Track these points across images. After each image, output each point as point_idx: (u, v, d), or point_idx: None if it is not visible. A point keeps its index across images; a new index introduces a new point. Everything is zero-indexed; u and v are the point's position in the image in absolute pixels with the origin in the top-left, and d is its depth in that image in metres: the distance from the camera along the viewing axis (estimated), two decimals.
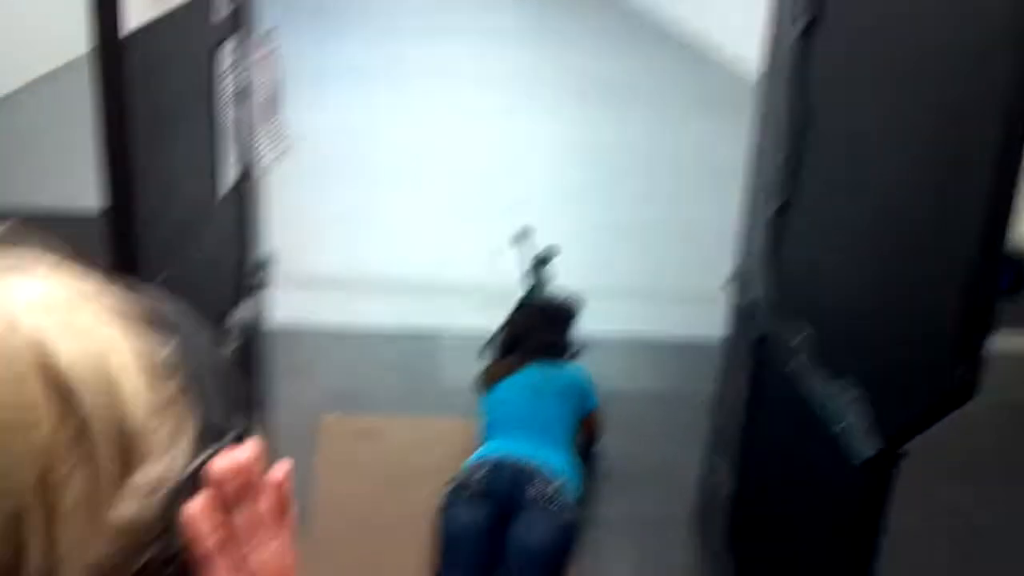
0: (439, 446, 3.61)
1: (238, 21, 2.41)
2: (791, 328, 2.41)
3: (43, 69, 8.01)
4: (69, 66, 7.98)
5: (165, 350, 0.51)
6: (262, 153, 2.68)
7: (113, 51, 1.49)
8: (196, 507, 0.49)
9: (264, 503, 0.53)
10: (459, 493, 2.94)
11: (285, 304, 4.06)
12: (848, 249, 2.17)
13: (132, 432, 0.47)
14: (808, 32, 2.36)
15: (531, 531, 2.82)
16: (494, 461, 2.98)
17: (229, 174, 2.43)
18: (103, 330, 0.48)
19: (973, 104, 1.63)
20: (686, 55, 11.67)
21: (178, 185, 2.02)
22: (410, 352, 4.31)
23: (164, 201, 1.90)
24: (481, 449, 3.13)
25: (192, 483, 0.50)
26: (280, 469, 0.54)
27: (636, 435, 3.77)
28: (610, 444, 3.63)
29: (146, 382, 0.49)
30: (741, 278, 2.82)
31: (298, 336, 4.27)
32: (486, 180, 6.67)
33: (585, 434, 3.54)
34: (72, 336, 0.46)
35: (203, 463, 0.51)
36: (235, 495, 0.51)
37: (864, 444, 1.98)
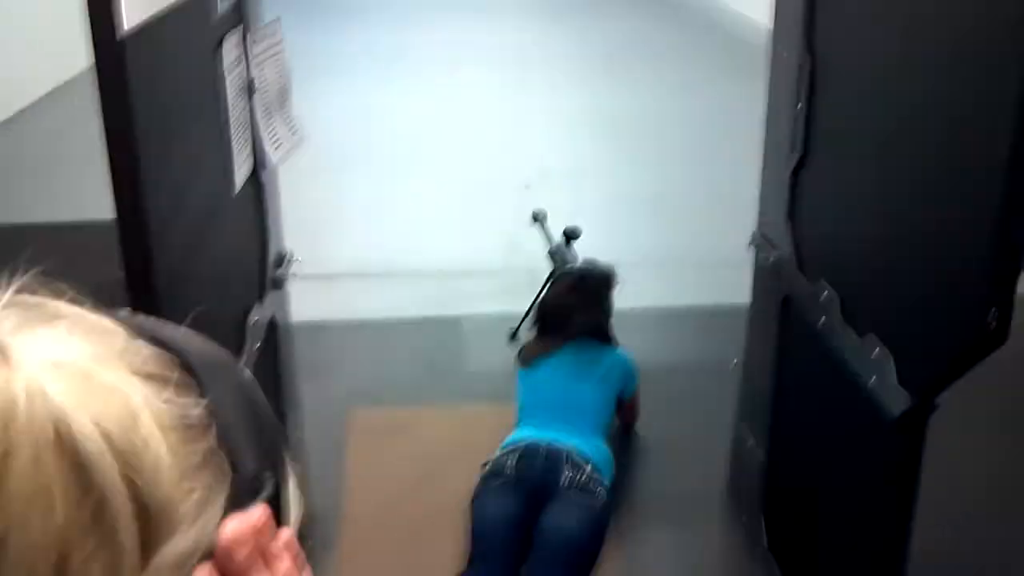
0: (469, 433, 3.61)
1: (241, 13, 2.40)
2: (816, 287, 2.38)
3: (51, 85, 8.04)
4: (76, 80, 8.02)
5: (195, 406, 0.48)
6: (275, 147, 2.67)
7: (112, 52, 1.48)
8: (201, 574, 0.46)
9: (284, 564, 0.50)
10: (491, 481, 2.94)
11: (305, 299, 4.06)
12: (868, 201, 2.14)
13: (158, 506, 0.44)
14: None
15: (563, 518, 2.81)
16: (526, 446, 2.97)
17: (243, 170, 2.42)
18: (128, 391, 0.45)
19: (994, 40, 1.60)
20: (696, 17, 11.60)
21: (191, 184, 2.01)
22: (434, 339, 4.31)
23: (177, 202, 1.90)
24: (514, 433, 3.11)
25: None
26: (286, 531, 0.51)
27: (668, 409, 3.74)
28: (642, 420, 3.62)
29: (174, 445, 0.46)
30: (763, 239, 2.80)
31: (321, 330, 4.27)
32: (500, 160, 6.65)
33: (624, 417, 3.51)
34: (94, 401, 0.43)
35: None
36: (247, 562, 0.48)
37: (896, 399, 1.96)
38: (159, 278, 1.70)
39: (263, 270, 2.72)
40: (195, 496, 0.46)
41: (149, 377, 0.47)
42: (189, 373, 0.50)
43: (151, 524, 0.44)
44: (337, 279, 4.84)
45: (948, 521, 3.04)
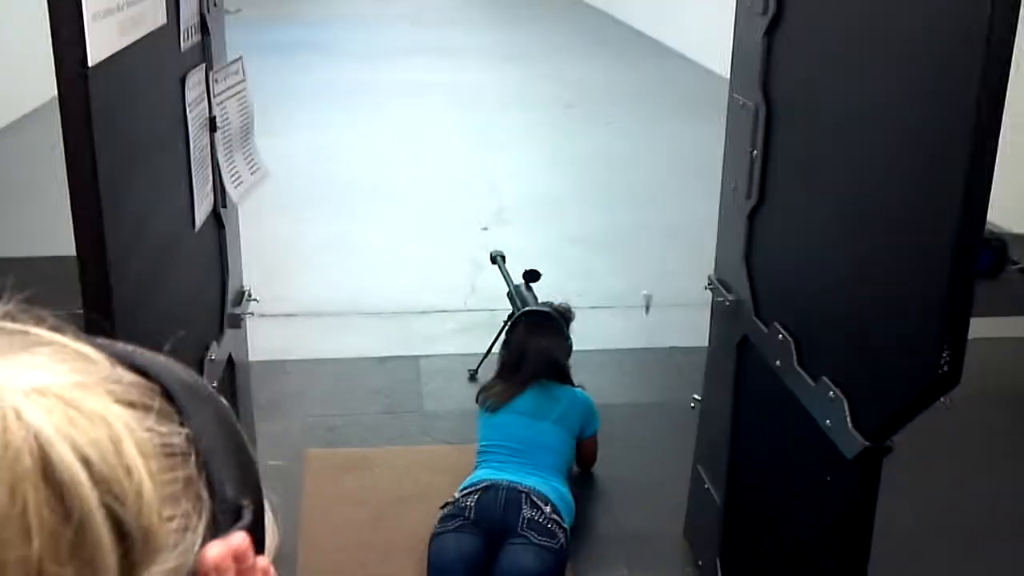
0: (427, 474, 3.59)
1: (204, 51, 2.41)
2: (771, 330, 2.41)
3: (15, 114, 8.00)
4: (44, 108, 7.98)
5: (176, 434, 0.48)
6: (236, 184, 2.67)
7: (77, 83, 1.49)
8: None
9: None
10: (450, 521, 2.93)
11: (263, 337, 4.04)
12: (822, 246, 2.18)
13: (139, 532, 0.44)
14: (772, 29, 2.38)
15: (522, 558, 2.81)
16: (485, 487, 2.97)
17: (204, 206, 2.42)
18: (111, 419, 0.45)
19: (946, 89, 1.64)
20: (653, 64, 11.77)
21: (152, 218, 2.00)
22: (393, 379, 4.29)
23: (138, 234, 1.89)
24: (473, 474, 3.12)
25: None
26: (263, 559, 0.52)
27: (627, 449, 3.76)
28: (601, 460, 3.62)
29: (156, 472, 0.46)
30: (721, 280, 2.83)
31: (279, 369, 4.25)
32: (459, 200, 6.68)
33: (583, 458, 3.52)
34: (76, 428, 0.43)
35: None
36: None
37: (850, 441, 1.98)
38: (117, 311, 1.69)
39: (222, 307, 2.71)
40: (176, 523, 0.46)
41: (131, 405, 0.47)
42: (169, 401, 0.50)
43: (132, 551, 0.43)
44: (295, 318, 4.82)
45: (905, 561, 3.07)
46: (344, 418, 3.98)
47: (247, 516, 0.51)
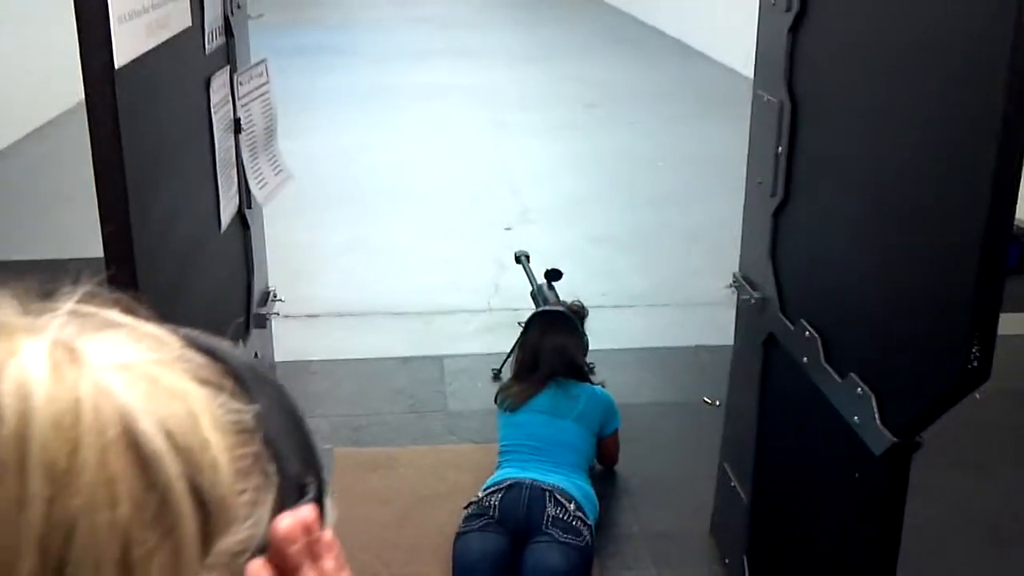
0: (451, 473, 3.60)
1: (229, 53, 2.42)
2: (797, 327, 2.40)
3: (41, 119, 8.07)
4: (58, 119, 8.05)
5: (245, 411, 0.50)
6: (261, 186, 2.68)
7: (105, 85, 1.50)
8: (256, 566, 0.48)
9: (328, 563, 0.53)
10: (474, 520, 2.93)
11: (288, 338, 4.06)
12: (848, 242, 2.17)
13: (216, 500, 0.46)
14: (796, 25, 2.37)
15: (547, 556, 2.80)
16: (508, 485, 2.97)
17: (229, 208, 2.43)
18: (189, 395, 0.47)
19: (973, 83, 1.63)
20: (681, 57, 11.74)
21: (179, 219, 2.02)
22: (417, 379, 4.30)
23: (165, 236, 1.90)
24: (496, 474, 3.12)
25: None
26: (329, 532, 0.55)
27: (652, 448, 3.75)
28: (625, 459, 3.62)
29: (229, 447, 0.48)
30: (745, 280, 2.82)
31: (303, 369, 4.26)
32: (482, 200, 6.69)
33: (603, 456, 3.52)
34: (158, 402, 0.45)
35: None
36: (299, 556, 0.51)
37: (879, 438, 1.97)
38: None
39: (248, 308, 2.72)
40: (246, 496, 0.49)
41: (204, 383, 0.49)
42: (235, 381, 0.52)
43: (209, 520, 0.46)
44: (320, 318, 4.84)
45: (934, 559, 3.05)
46: (369, 418, 3.99)
47: (311, 492, 0.54)
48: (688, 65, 11.60)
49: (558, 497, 2.93)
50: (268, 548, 0.49)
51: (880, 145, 1.99)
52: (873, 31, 2.01)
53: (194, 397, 0.47)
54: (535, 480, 2.98)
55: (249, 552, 0.48)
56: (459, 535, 2.94)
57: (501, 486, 2.99)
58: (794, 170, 2.46)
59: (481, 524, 2.91)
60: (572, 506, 2.93)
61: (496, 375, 4.21)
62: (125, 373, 0.45)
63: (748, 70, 2.77)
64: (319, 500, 0.55)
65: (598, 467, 3.52)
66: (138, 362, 0.46)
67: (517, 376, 3.44)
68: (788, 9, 2.39)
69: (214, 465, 0.46)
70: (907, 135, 1.88)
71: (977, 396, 1.73)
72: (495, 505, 2.93)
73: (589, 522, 2.96)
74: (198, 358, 0.51)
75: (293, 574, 0.50)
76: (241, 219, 2.63)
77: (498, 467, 3.19)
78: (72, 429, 0.42)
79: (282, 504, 0.51)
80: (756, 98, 2.68)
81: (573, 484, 3.03)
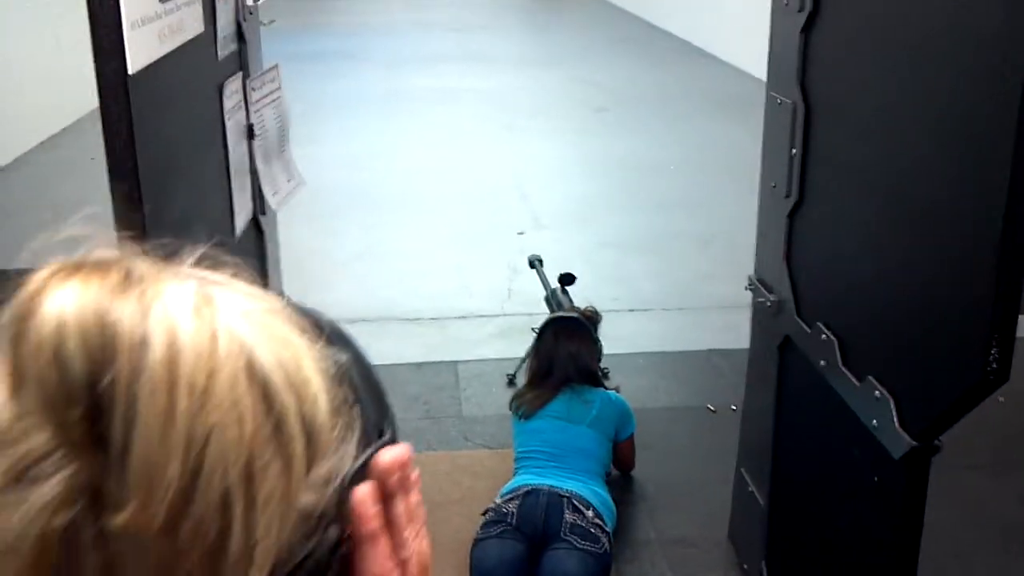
0: (467, 479, 3.59)
1: (241, 59, 2.42)
2: (814, 330, 2.39)
3: (54, 127, 8.10)
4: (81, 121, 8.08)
5: (334, 360, 0.58)
6: (274, 192, 2.68)
7: (118, 90, 1.49)
8: (365, 491, 0.58)
9: (414, 497, 0.62)
10: (492, 527, 2.92)
11: None
12: (865, 244, 2.15)
13: (316, 431, 0.54)
14: (809, 25, 2.36)
15: (566, 563, 2.79)
16: (526, 492, 2.96)
17: (243, 214, 2.43)
18: (293, 340, 0.55)
19: (990, 83, 1.62)
20: (691, 60, 11.73)
21: (193, 225, 2.01)
22: (431, 385, 4.30)
23: (180, 242, 1.90)
24: (513, 481, 3.11)
25: (358, 478, 0.58)
26: (415, 472, 0.63)
27: (668, 454, 3.73)
28: (641, 464, 3.60)
29: (325, 386, 0.56)
30: (760, 283, 2.81)
31: None
32: (495, 204, 6.68)
33: (619, 462, 3.50)
34: (270, 344, 0.53)
35: (367, 460, 0.59)
36: (395, 487, 0.60)
37: (898, 441, 1.95)
38: None
39: None
40: (337, 432, 0.57)
41: (304, 332, 0.57)
42: (325, 337, 0.60)
43: (312, 443, 0.54)
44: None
45: (950, 560, 3.03)
46: None
47: (388, 434, 0.64)
48: (697, 67, 11.59)
49: (576, 504, 2.92)
50: (368, 477, 0.59)
51: (895, 145, 1.98)
52: (886, 30, 1.99)
53: (297, 343, 0.56)
54: (553, 487, 2.97)
55: (338, 480, 0.56)
56: (477, 541, 2.93)
57: (519, 493, 2.98)
58: (808, 171, 2.45)
59: (499, 531, 2.90)
60: (590, 513, 2.91)
61: (511, 380, 4.20)
62: (246, 318, 0.54)
63: (757, 71, 2.76)
64: (394, 442, 0.63)
65: (615, 472, 3.51)
66: (254, 310, 0.55)
67: (531, 383, 3.43)
68: (801, 9, 2.37)
69: (315, 400, 0.54)
70: (922, 135, 1.86)
71: (1001, 399, 1.71)
72: (513, 512, 2.92)
73: (607, 529, 2.94)
74: (295, 314, 0.59)
75: (388, 500, 0.60)
76: (256, 225, 2.63)
77: (515, 473, 3.18)
78: (210, 359, 0.50)
79: (366, 443, 0.60)
80: (769, 100, 2.66)
81: (591, 491, 3.02)
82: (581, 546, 2.82)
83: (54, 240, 0.56)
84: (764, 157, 2.75)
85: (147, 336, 0.49)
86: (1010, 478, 3.57)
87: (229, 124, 2.28)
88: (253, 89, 2.53)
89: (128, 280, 0.52)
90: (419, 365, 4.44)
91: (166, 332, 0.50)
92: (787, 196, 2.53)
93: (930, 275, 1.87)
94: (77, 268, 0.52)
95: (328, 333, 0.61)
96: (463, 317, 4.97)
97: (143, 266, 0.53)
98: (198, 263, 0.58)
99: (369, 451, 0.60)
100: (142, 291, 0.51)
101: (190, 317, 0.51)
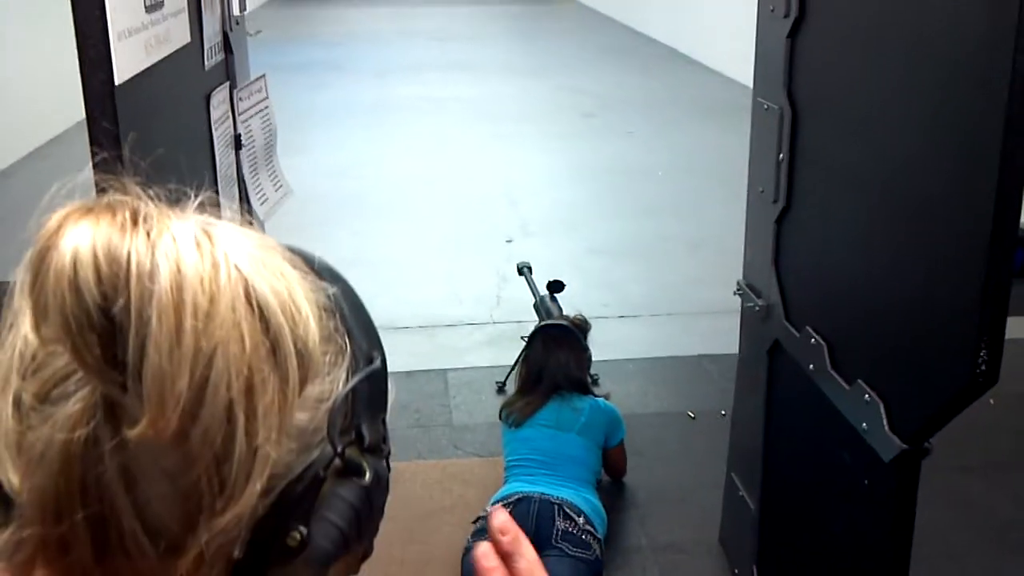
0: (458, 487, 3.58)
1: (228, 69, 2.42)
2: (803, 334, 2.39)
3: (39, 140, 8.07)
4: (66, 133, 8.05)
5: (324, 293, 0.64)
6: (261, 201, 2.68)
7: (105, 101, 1.49)
8: (482, 547, 0.67)
9: (525, 561, 0.71)
10: (483, 536, 2.91)
11: None
12: (853, 248, 2.16)
13: (308, 352, 0.59)
14: (795, 31, 2.37)
15: (556, 571, 2.78)
16: (517, 500, 2.96)
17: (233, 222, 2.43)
18: (286, 271, 0.61)
19: (976, 86, 1.62)
20: (678, 67, 11.76)
21: None
22: (421, 393, 4.29)
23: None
24: (504, 488, 3.11)
25: (347, 401, 0.64)
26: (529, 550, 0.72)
27: (656, 459, 3.73)
28: (631, 471, 3.60)
29: (316, 315, 0.61)
30: (749, 287, 2.81)
31: None
32: (483, 212, 6.68)
33: (610, 468, 3.50)
34: (265, 274, 0.58)
35: (355, 384, 0.65)
36: (510, 547, 0.69)
37: (887, 444, 1.96)
38: None
39: None
40: (328, 357, 0.63)
41: (296, 266, 0.63)
42: (316, 272, 0.65)
43: (304, 364, 0.59)
44: None
45: (943, 562, 3.04)
46: None
47: (377, 362, 0.69)
48: (683, 73, 11.62)
49: (567, 511, 2.91)
50: (489, 532, 0.70)
51: (882, 150, 1.98)
52: (873, 34, 2.00)
53: (290, 275, 0.61)
54: (544, 494, 2.96)
55: (330, 401, 0.63)
56: (467, 550, 2.93)
57: (510, 500, 2.98)
58: (796, 176, 2.46)
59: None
60: (581, 520, 2.91)
61: (500, 388, 4.20)
62: (242, 252, 0.59)
63: (742, 76, 2.77)
64: (383, 371, 0.70)
65: (605, 479, 3.51)
66: (250, 245, 0.60)
67: (521, 390, 3.43)
68: (787, 15, 2.38)
69: (307, 325, 0.60)
70: (909, 139, 1.87)
71: (992, 402, 1.72)
72: None
73: (598, 535, 2.94)
74: (288, 251, 0.65)
75: (507, 560, 0.69)
76: None
77: (505, 481, 3.18)
78: (212, 284, 0.55)
79: (356, 367, 0.66)
80: (756, 105, 2.67)
81: (581, 498, 3.02)
82: (572, 553, 2.82)
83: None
84: (751, 162, 2.76)
85: (155, 266, 0.55)
86: (1001, 479, 3.58)
87: (217, 134, 2.28)
88: (240, 99, 2.53)
89: (136, 219, 0.57)
90: (409, 373, 4.43)
91: (172, 262, 0.55)
92: (775, 201, 2.54)
93: (918, 278, 1.87)
94: (89, 209, 0.57)
95: (318, 268, 0.67)
96: (452, 325, 4.97)
97: (149, 207, 0.59)
98: (199, 209, 0.63)
99: (359, 375, 0.66)
100: (149, 228, 0.56)
101: (193, 250, 0.56)
